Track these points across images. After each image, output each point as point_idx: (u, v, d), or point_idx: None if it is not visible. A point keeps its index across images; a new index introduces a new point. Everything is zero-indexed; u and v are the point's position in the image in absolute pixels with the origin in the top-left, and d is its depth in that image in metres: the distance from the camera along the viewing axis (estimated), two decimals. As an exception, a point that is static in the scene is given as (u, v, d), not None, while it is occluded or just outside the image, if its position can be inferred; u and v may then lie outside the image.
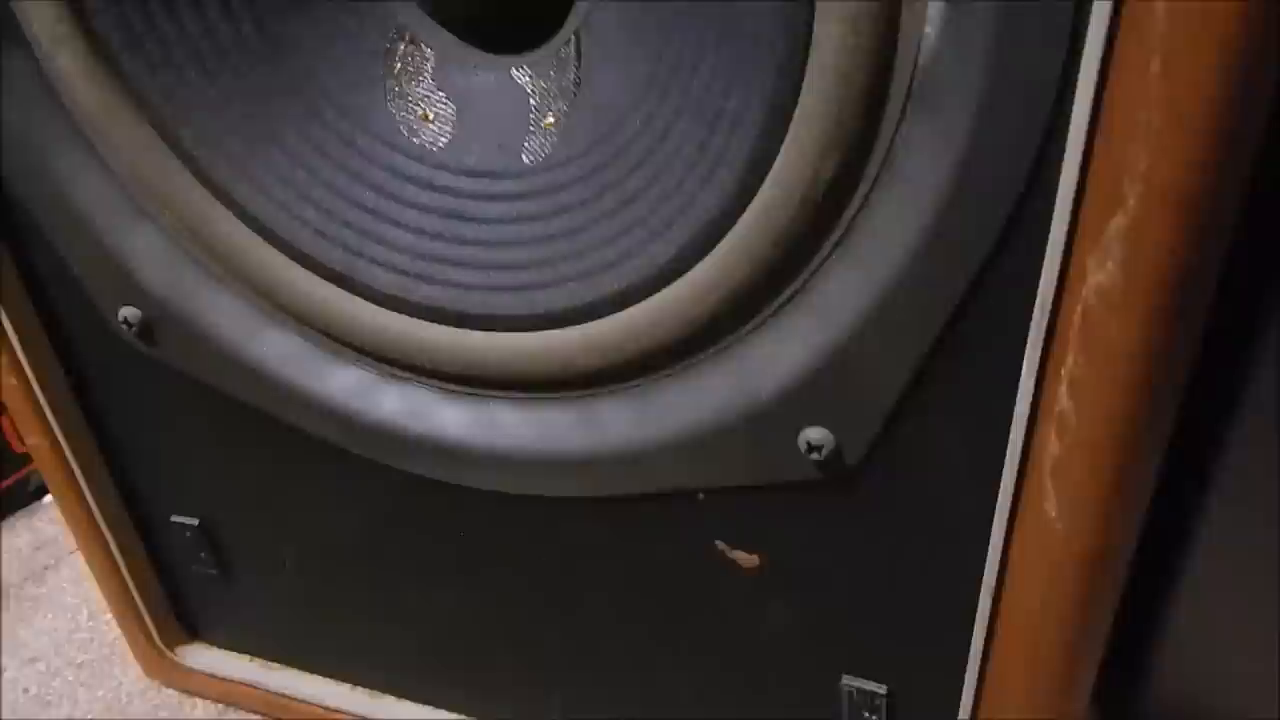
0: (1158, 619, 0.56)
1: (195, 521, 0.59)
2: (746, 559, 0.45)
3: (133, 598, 0.64)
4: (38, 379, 0.53)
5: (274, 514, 0.56)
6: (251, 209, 0.44)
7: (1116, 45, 0.25)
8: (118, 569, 0.62)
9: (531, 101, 0.41)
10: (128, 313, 0.49)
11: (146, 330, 0.49)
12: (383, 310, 0.45)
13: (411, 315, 0.45)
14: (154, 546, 0.62)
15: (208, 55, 0.40)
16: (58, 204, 0.47)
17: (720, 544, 0.45)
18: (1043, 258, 0.30)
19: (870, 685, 0.47)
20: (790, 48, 0.30)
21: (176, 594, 0.65)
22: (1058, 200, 0.28)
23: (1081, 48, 0.26)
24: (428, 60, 0.41)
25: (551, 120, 0.40)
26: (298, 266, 0.45)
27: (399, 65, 0.41)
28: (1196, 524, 0.52)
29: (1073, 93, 0.26)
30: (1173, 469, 0.49)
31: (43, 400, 0.54)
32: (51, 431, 0.55)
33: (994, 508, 0.37)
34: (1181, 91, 0.24)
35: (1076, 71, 0.26)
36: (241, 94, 0.41)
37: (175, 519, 0.59)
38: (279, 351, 0.48)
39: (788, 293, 0.37)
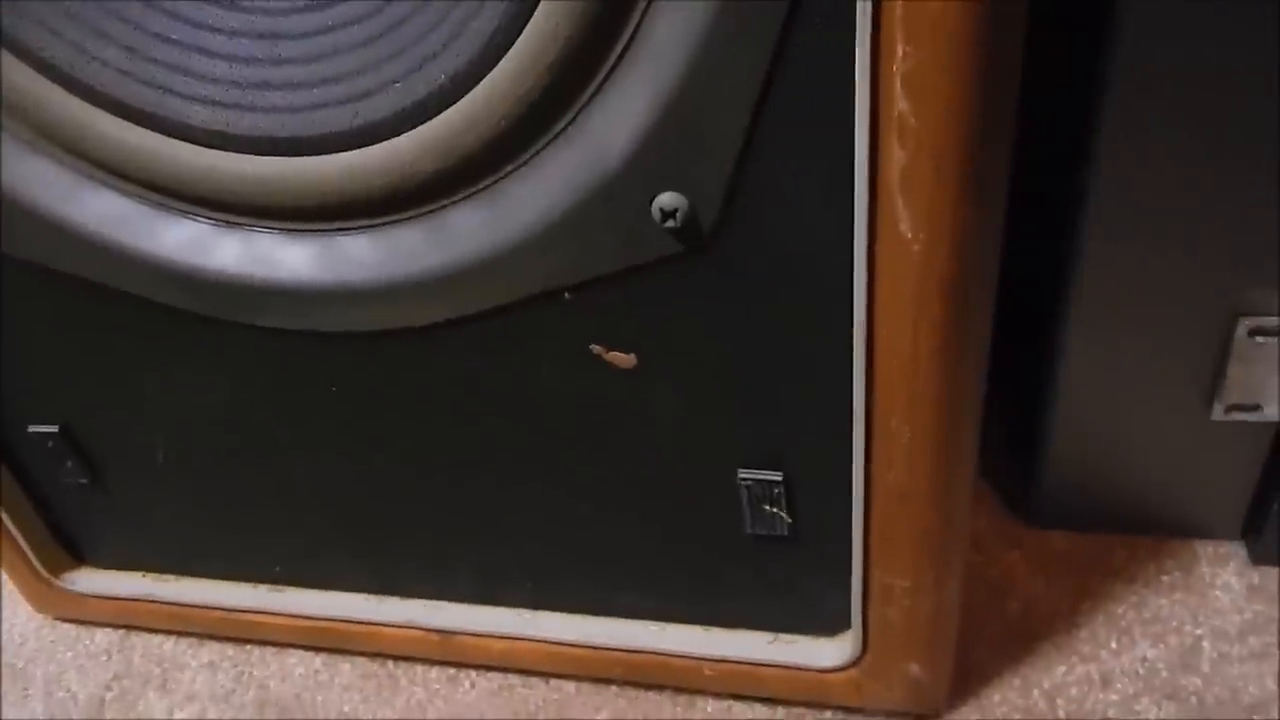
0: (1045, 396, 0.57)
1: (55, 429, 0.55)
2: (623, 359, 0.44)
3: (6, 528, 0.60)
4: None
5: (135, 403, 0.53)
6: (46, 55, 0.41)
7: None
8: (-17, 498, 0.59)
9: (327, -110, 0.38)
10: (-72, 193, 0.45)
11: (-47, 210, 0.46)
12: (206, 150, 0.42)
13: (237, 150, 0.42)
14: (19, 466, 0.58)
15: None
16: None
17: (596, 348, 0.44)
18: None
19: (766, 475, 0.46)
20: None
21: (54, 517, 0.62)
22: None
23: None
24: None
25: (351, -91, 0.38)
26: (105, 113, 0.42)
27: None
28: (1068, 288, 0.52)
29: None
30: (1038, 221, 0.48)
31: None
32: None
33: (853, 246, 0.36)
34: None
35: None
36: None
37: (34, 429, 0.56)
38: (103, 213, 0.45)
39: (618, 47, 0.36)
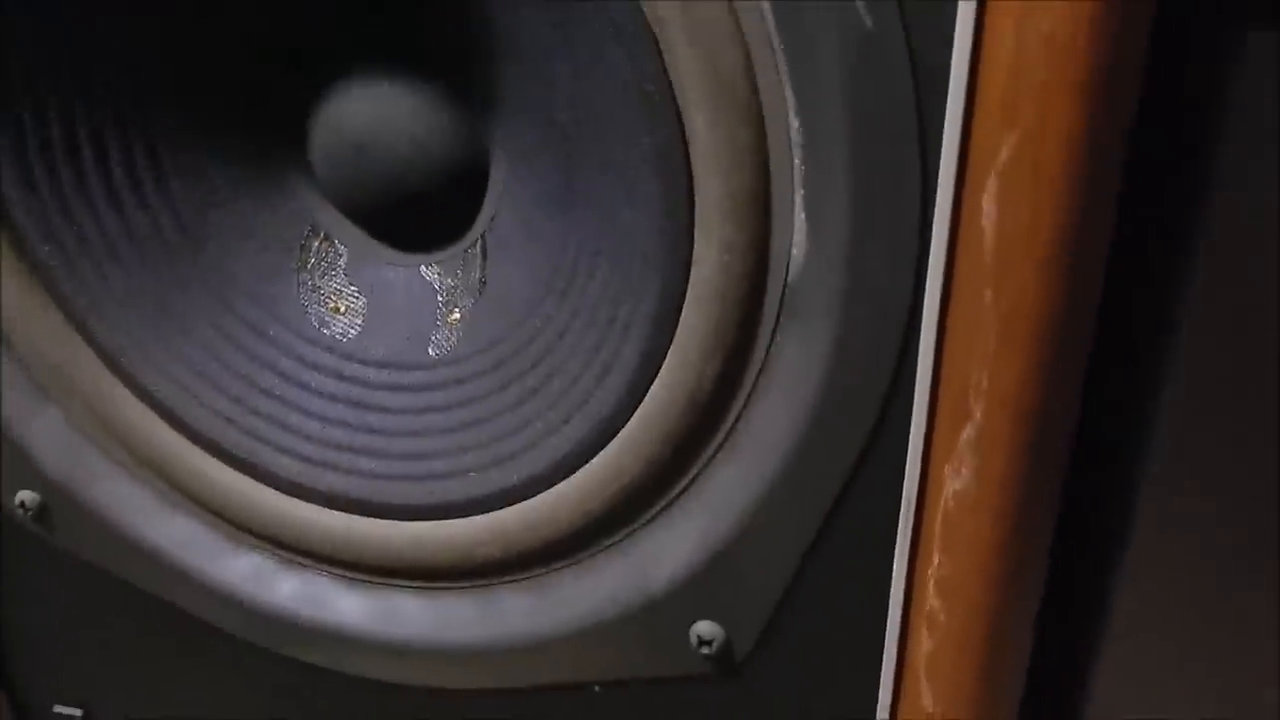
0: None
1: (79, 713, 0.56)
2: (642, 756, 0.45)
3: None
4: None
5: (163, 704, 0.54)
6: (160, 396, 0.45)
7: (954, 280, 0.28)
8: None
9: (439, 298, 0.43)
10: (25, 496, 0.48)
11: (43, 514, 0.49)
12: (285, 497, 0.45)
13: (313, 502, 0.45)
14: (33, 742, 0.59)
15: (124, 248, 0.41)
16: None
17: (616, 740, 0.45)
18: (904, 466, 0.32)
19: None
20: (673, 266, 0.33)
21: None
22: (913, 416, 0.31)
23: (925, 277, 0.29)
24: (340, 256, 0.43)
25: (457, 316, 0.42)
26: (203, 452, 0.46)
27: (312, 260, 0.43)
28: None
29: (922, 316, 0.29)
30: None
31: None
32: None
33: (875, 705, 0.38)
34: (1013, 315, 0.27)
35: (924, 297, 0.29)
36: (155, 285, 0.43)
37: (58, 709, 0.57)
38: (178, 537, 0.48)
39: (678, 488, 0.39)
